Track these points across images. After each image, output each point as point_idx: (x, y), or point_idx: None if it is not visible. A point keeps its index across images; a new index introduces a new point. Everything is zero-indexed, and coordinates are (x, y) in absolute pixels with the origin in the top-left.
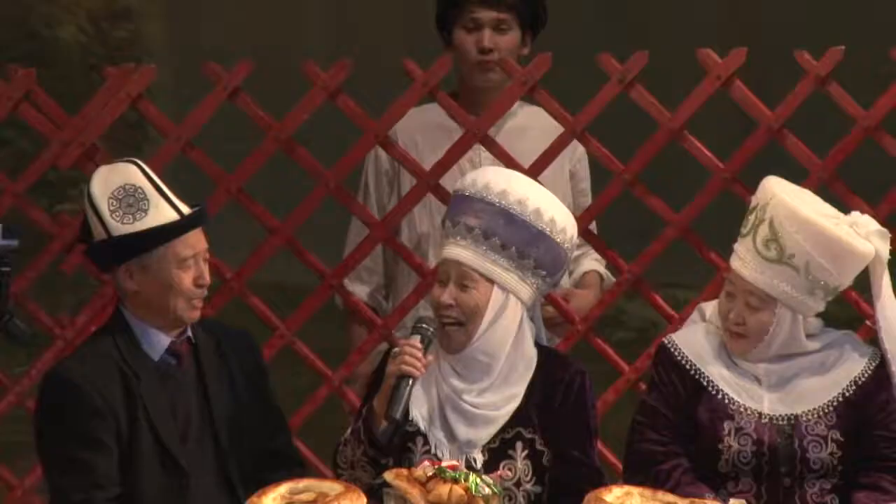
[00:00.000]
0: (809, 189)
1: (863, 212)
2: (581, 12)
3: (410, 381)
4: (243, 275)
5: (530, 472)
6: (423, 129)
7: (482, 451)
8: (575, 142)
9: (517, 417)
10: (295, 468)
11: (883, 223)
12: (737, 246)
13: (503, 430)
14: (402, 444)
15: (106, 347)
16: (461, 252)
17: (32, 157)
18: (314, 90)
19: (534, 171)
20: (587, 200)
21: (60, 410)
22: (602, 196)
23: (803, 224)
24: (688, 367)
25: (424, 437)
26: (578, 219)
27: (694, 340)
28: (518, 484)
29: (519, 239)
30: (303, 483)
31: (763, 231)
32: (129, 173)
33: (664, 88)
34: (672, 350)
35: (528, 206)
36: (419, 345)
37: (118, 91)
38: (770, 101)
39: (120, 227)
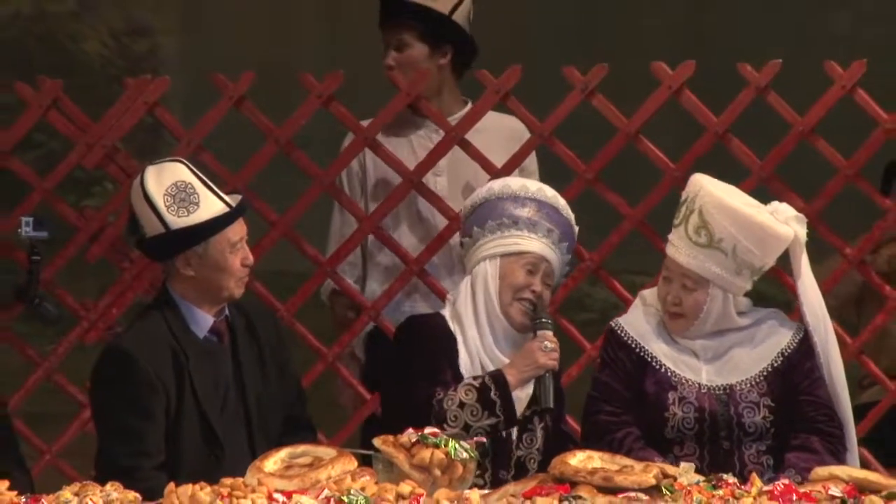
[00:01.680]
0: (750, 186)
1: (798, 208)
2: (549, 29)
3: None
4: None
5: (542, 443)
6: (384, 133)
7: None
8: (522, 138)
9: (534, 395)
10: (309, 434)
11: (817, 217)
12: (671, 236)
13: (526, 406)
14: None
15: (158, 325)
16: (552, 255)
17: (60, 157)
18: (310, 98)
19: (506, 171)
20: None
21: (117, 382)
22: (566, 193)
23: (729, 212)
24: (633, 345)
25: None
26: None
27: (637, 322)
28: (539, 450)
29: (571, 243)
30: (300, 448)
31: (694, 220)
32: (178, 171)
33: (622, 97)
34: (618, 332)
35: (570, 214)
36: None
37: (136, 99)
38: (716, 108)
39: (177, 221)
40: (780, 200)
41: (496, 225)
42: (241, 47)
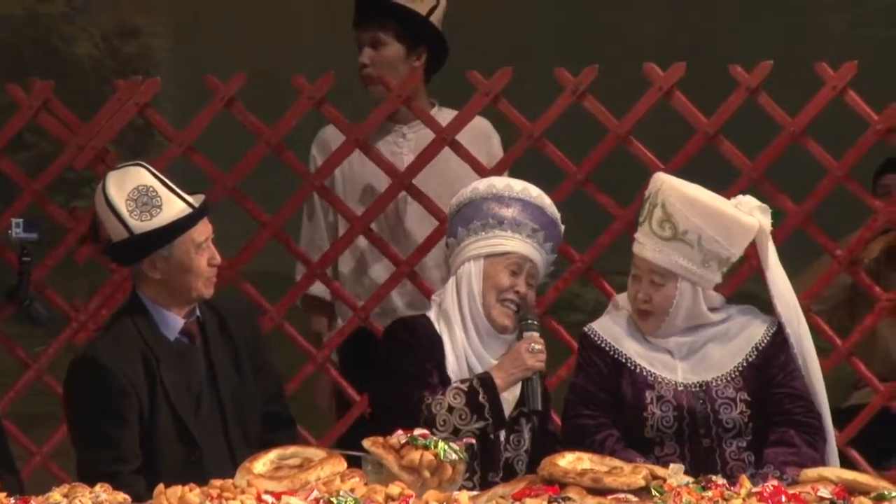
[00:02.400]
0: (740, 187)
1: (788, 209)
2: (541, 31)
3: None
4: (237, 264)
5: (530, 445)
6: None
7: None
8: (489, 136)
9: (521, 396)
10: (290, 428)
11: (807, 219)
12: (637, 234)
13: (514, 407)
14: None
15: (128, 330)
16: (536, 255)
17: (50, 159)
18: (301, 100)
19: (495, 173)
20: None
21: (90, 390)
22: (556, 194)
23: (692, 202)
24: (607, 348)
25: None
26: None
27: (610, 326)
28: (527, 451)
29: (556, 243)
30: (290, 450)
31: (657, 214)
32: (139, 175)
33: (613, 98)
34: (592, 336)
35: (556, 213)
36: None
37: (127, 100)
38: (707, 110)
39: (140, 225)
40: (771, 202)
41: (480, 225)
42: (232, 49)
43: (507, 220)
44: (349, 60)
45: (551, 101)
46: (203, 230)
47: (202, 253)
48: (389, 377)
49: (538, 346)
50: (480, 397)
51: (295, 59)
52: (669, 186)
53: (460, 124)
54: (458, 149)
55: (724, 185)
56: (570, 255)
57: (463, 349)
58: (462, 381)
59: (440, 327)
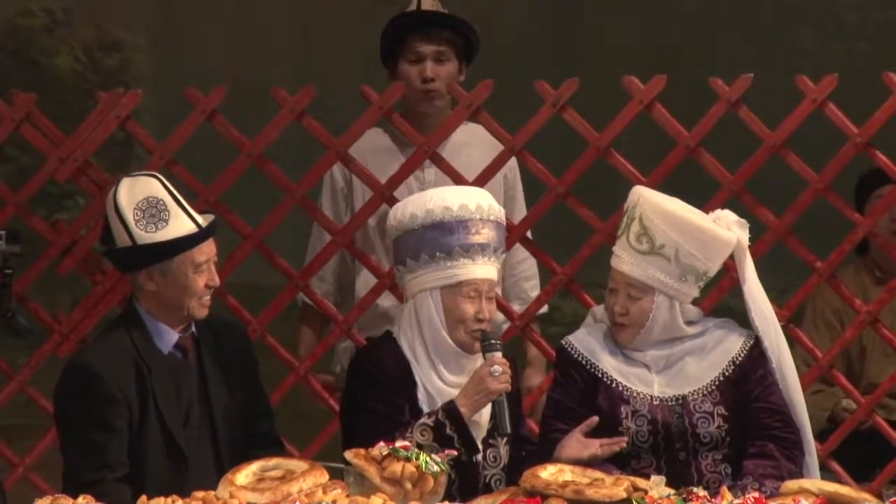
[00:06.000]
0: (721, 200)
1: (768, 222)
2: (520, 43)
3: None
4: (220, 276)
5: (507, 460)
6: (372, 151)
7: (481, 442)
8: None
9: (494, 415)
10: (277, 448)
11: (788, 232)
12: (615, 247)
13: (488, 421)
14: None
15: (122, 340)
16: (492, 271)
17: (32, 171)
18: (283, 112)
19: (477, 184)
20: (514, 205)
21: (80, 396)
22: (537, 206)
23: (669, 216)
24: (584, 362)
25: None
26: (516, 227)
27: (588, 340)
28: (504, 468)
29: (504, 243)
30: (272, 461)
31: (635, 227)
32: (151, 186)
33: (593, 111)
34: (569, 350)
35: (500, 213)
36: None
37: (109, 113)
38: (687, 123)
39: (144, 236)
40: (752, 214)
41: (429, 257)
42: (213, 61)
43: (456, 249)
44: (329, 69)
45: (531, 114)
46: (206, 251)
47: (201, 274)
48: (358, 416)
49: (500, 369)
50: (448, 430)
51: (273, 69)
52: (647, 200)
53: (441, 137)
54: (439, 161)
55: (705, 197)
56: (552, 267)
57: (428, 378)
58: (428, 415)
59: (407, 349)
